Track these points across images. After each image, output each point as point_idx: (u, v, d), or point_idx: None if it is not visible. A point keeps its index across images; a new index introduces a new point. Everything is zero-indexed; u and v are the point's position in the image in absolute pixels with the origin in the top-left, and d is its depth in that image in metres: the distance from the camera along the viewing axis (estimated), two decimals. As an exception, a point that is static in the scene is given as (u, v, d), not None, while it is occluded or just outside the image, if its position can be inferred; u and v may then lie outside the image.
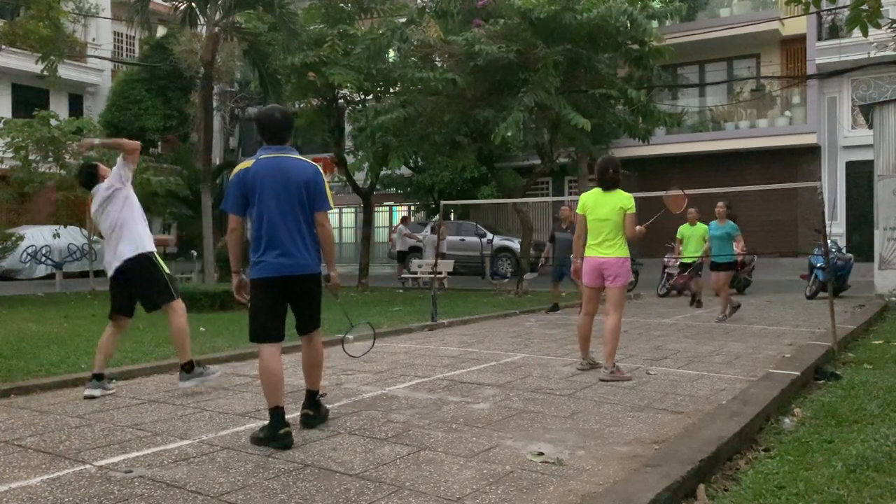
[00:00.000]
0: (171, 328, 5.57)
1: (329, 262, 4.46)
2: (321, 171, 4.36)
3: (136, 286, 5.50)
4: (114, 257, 5.44)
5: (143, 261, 5.43)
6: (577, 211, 6.37)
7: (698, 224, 11.70)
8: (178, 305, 5.56)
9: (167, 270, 5.60)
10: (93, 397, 5.32)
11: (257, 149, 4.37)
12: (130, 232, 5.43)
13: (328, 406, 4.83)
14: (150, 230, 5.78)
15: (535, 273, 16.85)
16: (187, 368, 5.51)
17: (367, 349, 5.83)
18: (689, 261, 12.49)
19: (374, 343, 5.97)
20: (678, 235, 12.21)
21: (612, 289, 6.06)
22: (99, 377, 5.43)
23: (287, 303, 4.31)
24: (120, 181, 5.47)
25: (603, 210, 6.11)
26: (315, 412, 4.53)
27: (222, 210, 4.36)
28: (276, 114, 4.32)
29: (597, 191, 6.26)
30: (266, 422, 4.17)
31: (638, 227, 6.16)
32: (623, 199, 6.11)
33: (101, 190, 5.50)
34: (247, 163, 4.28)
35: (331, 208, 4.34)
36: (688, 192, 8.87)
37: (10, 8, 19.39)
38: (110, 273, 5.51)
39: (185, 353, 5.52)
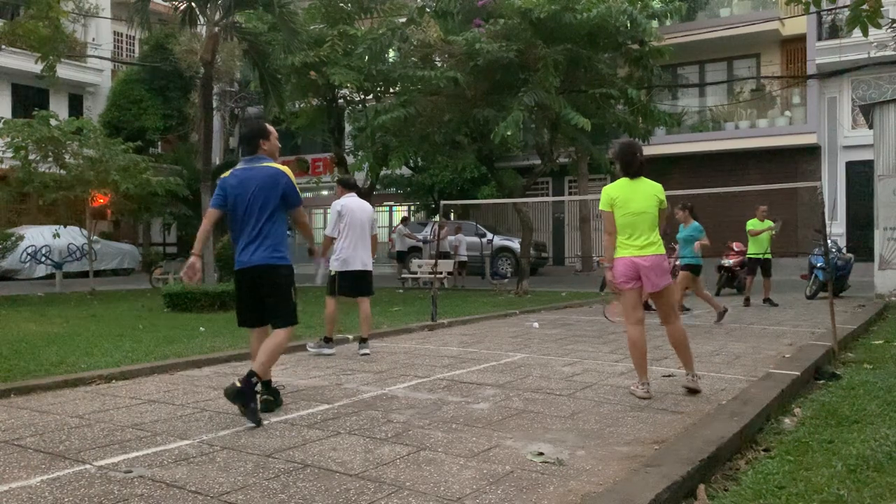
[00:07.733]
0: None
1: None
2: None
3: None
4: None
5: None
6: (602, 207, 5.31)
7: (766, 220, 12.10)
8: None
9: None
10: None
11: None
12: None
13: (328, 405, 4.91)
14: (149, 230, 5.96)
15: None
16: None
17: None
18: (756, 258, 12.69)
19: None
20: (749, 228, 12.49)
21: (664, 291, 5.29)
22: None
23: None
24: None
25: (638, 203, 5.19)
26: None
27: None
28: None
29: (623, 181, 5.32)
30: (252, 425, 4.46)
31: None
32: (657, 188, 5.31)
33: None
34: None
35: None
36: (688, 192, 8.87)
37: (10, 8, 19.39)
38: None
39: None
